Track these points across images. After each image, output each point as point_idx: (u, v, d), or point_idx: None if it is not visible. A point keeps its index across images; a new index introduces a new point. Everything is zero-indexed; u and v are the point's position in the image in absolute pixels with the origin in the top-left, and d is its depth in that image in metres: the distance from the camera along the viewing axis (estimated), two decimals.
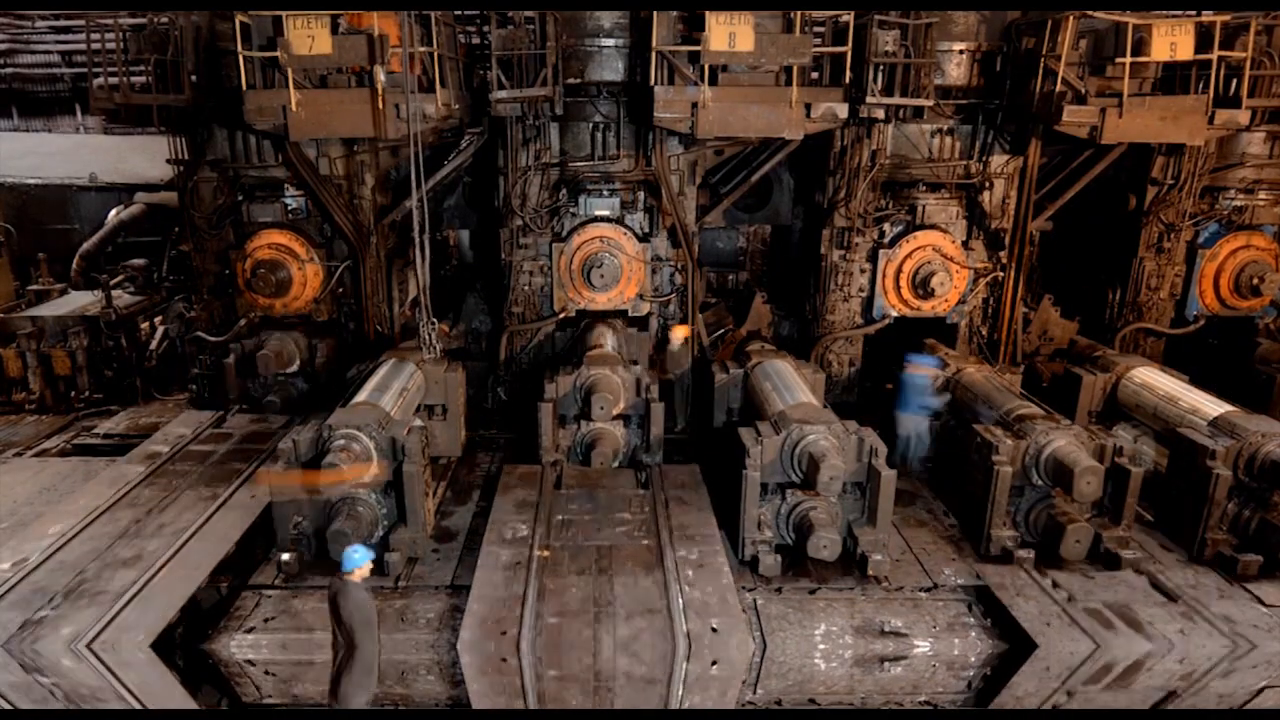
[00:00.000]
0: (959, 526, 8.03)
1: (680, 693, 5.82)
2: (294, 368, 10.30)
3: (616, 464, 8.67)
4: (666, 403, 9.11)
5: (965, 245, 10.50)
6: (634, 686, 5.90)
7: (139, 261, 14.42)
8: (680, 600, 6.41)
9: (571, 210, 10.27)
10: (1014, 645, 6.49)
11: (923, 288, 10.41)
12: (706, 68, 8.65)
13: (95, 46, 9.22)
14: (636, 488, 8.23)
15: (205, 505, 7.76)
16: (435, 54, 8.85)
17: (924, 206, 10.40)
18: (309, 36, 8.22)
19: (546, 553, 7.06)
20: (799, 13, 8.64)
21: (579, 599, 6.47)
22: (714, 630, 6.14)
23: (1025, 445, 7.42)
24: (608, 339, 9.73)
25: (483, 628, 6.15)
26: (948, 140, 10.18)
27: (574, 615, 6.31)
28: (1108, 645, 6.30)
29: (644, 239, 10.31)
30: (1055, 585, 7.00)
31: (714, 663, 6.04)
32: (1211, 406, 8.06)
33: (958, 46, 9.73)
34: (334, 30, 8.35)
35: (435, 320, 8.56)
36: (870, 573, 7.03)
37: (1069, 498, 7.28)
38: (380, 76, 8.27)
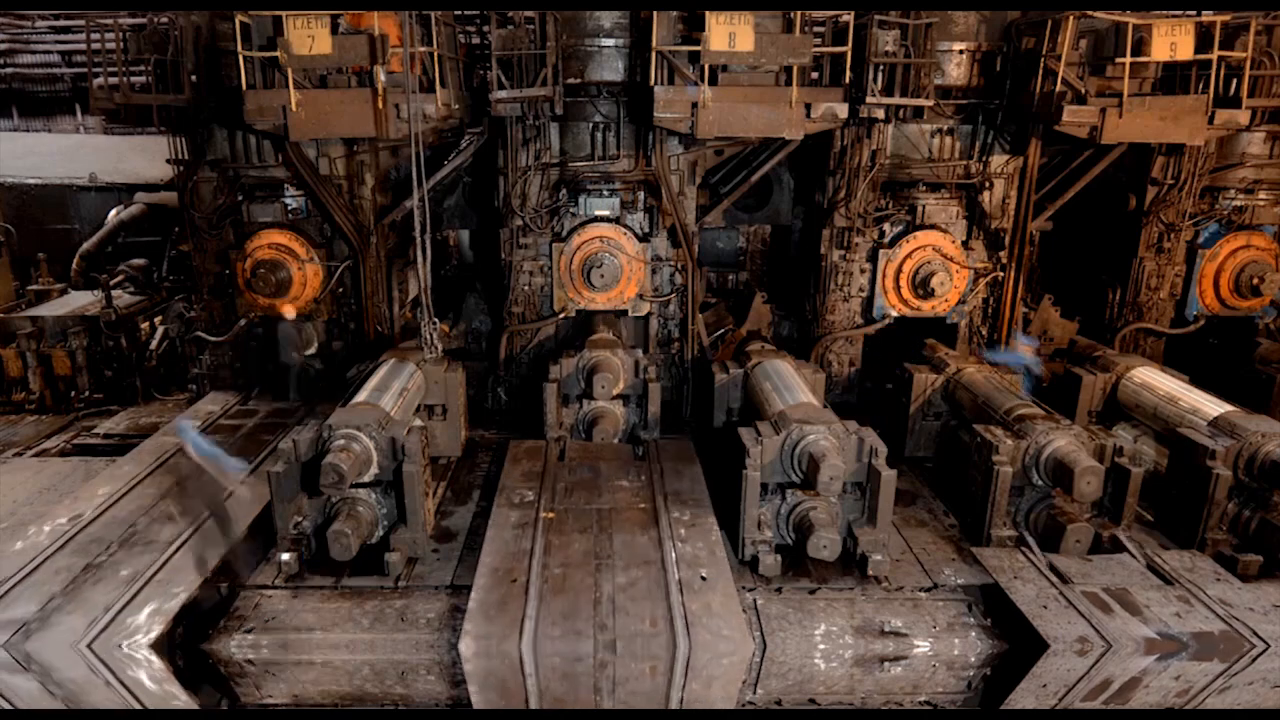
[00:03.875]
0: (959, 526, 8.03)
1: (678, 637, 6.11)
2: (312, 349, 10.50)
3: (616, 439, 9.19)
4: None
5: (965, 245, 10.51)
6: (632, 623, 6.23)
7: (139, 261, 14.43)
8: (673, 554, 6.98)
9: (571, 210, 10.27)
10: (1014, 645, 6.49)
11: (923, 288, 10.41)
12: (706, 68, 8.65)
13: (95, 46, 9.23)
14: (634, 459, 8.72)
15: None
16: (435, 54, 8.86)
17: (924, 206, 10.41)
18: (309, 36, 8.23)
19: (551, 514, 7.59)
20: (799, 13, 8.63)
21: (581, 552, 7.04)
22: (703, 579, 6.67)
23: (1025, 445, 7.46)
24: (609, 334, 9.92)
25: (494, 576, 6.71)
26: (948, 140, 10.18)
27: (577, 566, 6.88)
28: (1106, 630, 6.28)
29: (644, 239, 10.31)
30: (1052, 568, 7.03)
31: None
32: (1211, 406, 8.06)
33: (958, 46, 9.73)
34: (334, 30, 8.36)
35: (436, 320, 8.58)
36: (870, 573, 7.03)
37: (1069, 498, 7.30)
38: (381, 76, 8.27)
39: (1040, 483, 7.50)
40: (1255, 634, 6.28)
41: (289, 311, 10.08)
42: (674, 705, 6.05)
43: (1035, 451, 7.42)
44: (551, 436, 9.14)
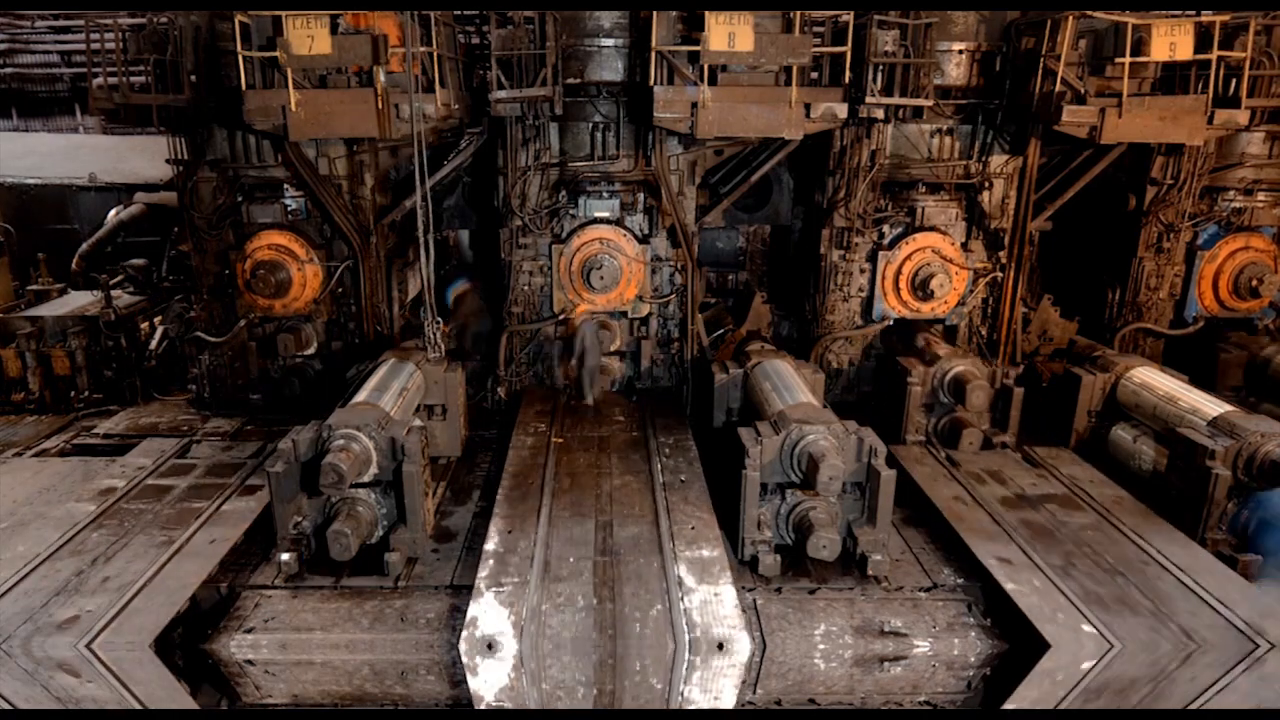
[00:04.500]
0: (886, 434, 8.54)
1: (663, 515, 7.49)
2: (311, 349, 10.54)
3: (615, 389, 10.79)
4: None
5: (964, 246, 10.51)
6: (625, 510, 7.64)
7: (139, 261, 14.42)
8: (659, 465, 8.44)
9: (571, 212, 10.27)
10: (1014, 644, 6.50)
11: (922, 290, 10.42)
12: (706, 68, 8.65)
13: (95, 46, 9.22)
14: (628, 402, 10.44)
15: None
16: (435, 54, 8.86)
17: (923, 208, 10.41)
18: (309, 36, 8.22)
19: (561, 440, 9.10)
20: (799, 13, 8.63)
21: (585, 465, 8.52)
22: (682, 481, 8.09)
23: (933, 370, 9.39)
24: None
25: (515, 479, 8.09)
26: (947, 140, 10.19)
27: (581, 473, 8.34)
28: (977, 492, 8.28)
29: (644, 240, 10.32)
30: (949, 459, 9.10)
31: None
32: (1211, 406, 8.07)
33: (957, 46, 9.73)
34: (334, 30, 8.35)
35: (439, 320, 8.61)
36: (870, 573, 7.04)
37: (966, 410, 9.21)
38: (380, 76, 8.27)
39: (945, 400, 9.39)
40: (1090, 497, 8.24)
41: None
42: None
43: (941, 375, 9.33)
44: (560, 385, 10.59)
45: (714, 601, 6.31)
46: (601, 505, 7.66)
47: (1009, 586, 6.69)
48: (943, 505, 8.00)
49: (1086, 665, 6.12)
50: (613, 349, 10.60)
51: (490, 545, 6.95)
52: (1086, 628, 6.26)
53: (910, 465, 8.83)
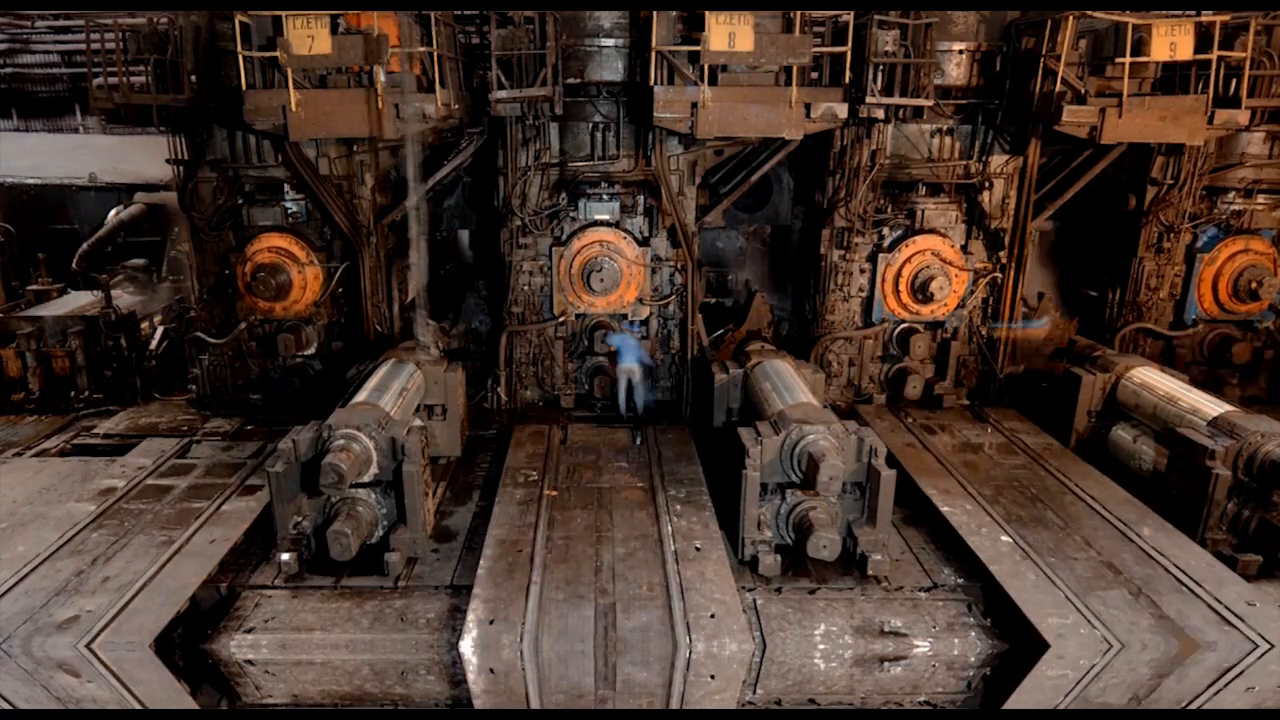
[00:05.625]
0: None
1: (674, 599, 6.58)
2: (311, 350, 10.55)
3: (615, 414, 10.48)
4: None
5: (964, 248, 10.51)
6: (632, 588, 6.71)
7: (139, 261, 14.41)
8: (669, 527, 7.57)
9: (571, 214, 10.27)
10: (1014, 644, 6.50)
11: (922, 292, 10.41)
12: (706, 68, 8.65)
13: (95, 46, 9.21)
14: (633, 443, 9.58)
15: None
16: (435, 54, 8.85)
17: (923, 211, 10.41)
18: (309, 36, 8.23)
19: (554, 492, 8.23)
20: (799, 13, 8.63)
21: (582, 527, 7.61)
22: (697, 549, 7.20)
23: (888, 329, 10.70)
24: None
25: (501, 546, 7.20)
26: (947, 140, 10.19)
27: (578, 538, 7.44)
28: (927, 442, 9.36)
29: (643, 242, 10.32)
30: (904, 414, 10.36)
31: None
32: (1211, 406, 8.06)
33: (957, 46, 9.73)
34: (334, 30, 8.35)
35: (432, 322, 8.59)
36: (870, 573, 7.04)
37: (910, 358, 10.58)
38: (380, 77, 8.27)
39: (895, 352, 10.71)
40: (1025, 445, 9.39)
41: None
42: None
43: (894, 332, 10.77)
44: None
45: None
46: (602, 583, 6.69)
47: (944, 509, 7.83)
48: (897, 451, 8.99)
49: (1086, 665, 6.13)
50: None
51: (467, 643, 6.09)
52: (1004, 538, 7.40)
53: (871, 420, 9.99)
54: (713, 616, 6.30)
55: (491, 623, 6.18)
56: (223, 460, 9.09)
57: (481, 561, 6.90)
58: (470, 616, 6.23)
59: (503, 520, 7.57)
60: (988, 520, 7.67)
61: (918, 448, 9.24)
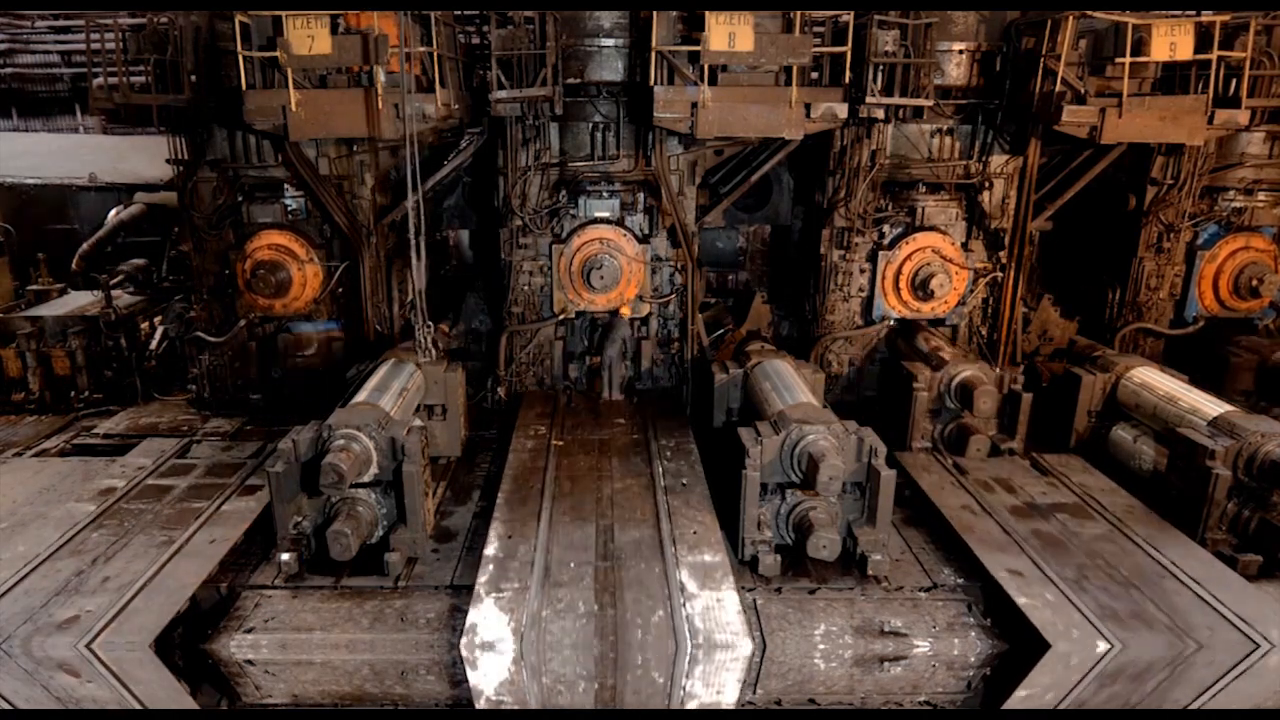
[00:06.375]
0: (892, 441, 8.54)
1: (664, 519, 7.46)
2: (311, 350, 10.57)
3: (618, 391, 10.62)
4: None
5: (965, 246, 10.51)
6: (627, 514, 7.58)
7: (139, 261, 14.41)
8: (660, 468, 8.40)
9: (571, 212, 10.27)
10: (1014, 644, 6.50)
11: (922, 289, 10.41)
12: (706, 68, 8.65)
13: (95, 46, 9.21)
14: (629, 404, 10.35)
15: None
16: (435, 54, 8.85)
17: (923, 208, 10.41)
18: (309, 36, 8.22)
19: (561, 442, 9.06)
20: (799, 13, 8.63)
21: (585, 468, 8.49)
22: (683, 484, 8.06)
23: (940, 375, 9.19)
24: None
25: (515, 482, 8.07)
26: (947, 140, 10.18)
27: (582, 476, 8.32)
28: (985, 501, 8.09)
29: (644, 240, 10.31)
30: (956, 466, 8.90)
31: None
32: (1211, 406, 8.06)
33: (957, 46, 9.73)
34: (333, 30, 8.35)
35: (432, 323, 8.60)
36: (870, 573, 7.04)
37: (974, 416, 9.00)
38: (380, 76, 8.26)
39: (952, 405, 9.20)
40: (1101, 505, 8.07)
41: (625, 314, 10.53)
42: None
43: (948, 380, 9.14)
44: (560, 387, 10.59)
45: (716, 607, 6.28)
46: (602, 509, 7.61)
47: (1021, 601, 6.51)
48: (951, 515, 7.81)
49: (1087, 665, 6.13)
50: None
51: (490, 550, 6.91)
52: (1101, 645, 6.14)
53: (917, 473, 8.68)
54: (695, 533, 7.22)
55: (510, 538, 7.09)
56: (223, 460, 9.10)
57: (499, 494, 7.80)
58: (491, 532, 7.14)
59: (515, 464, 8.45)
60: (1077, 618, 6.35)
61: (976, 511, 7.90)
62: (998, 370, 9.25)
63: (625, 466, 8.48)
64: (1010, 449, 9.10)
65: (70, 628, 6.14)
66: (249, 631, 6.49)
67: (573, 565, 6.77)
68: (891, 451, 7.98)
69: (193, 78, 9.20)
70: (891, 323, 10.74)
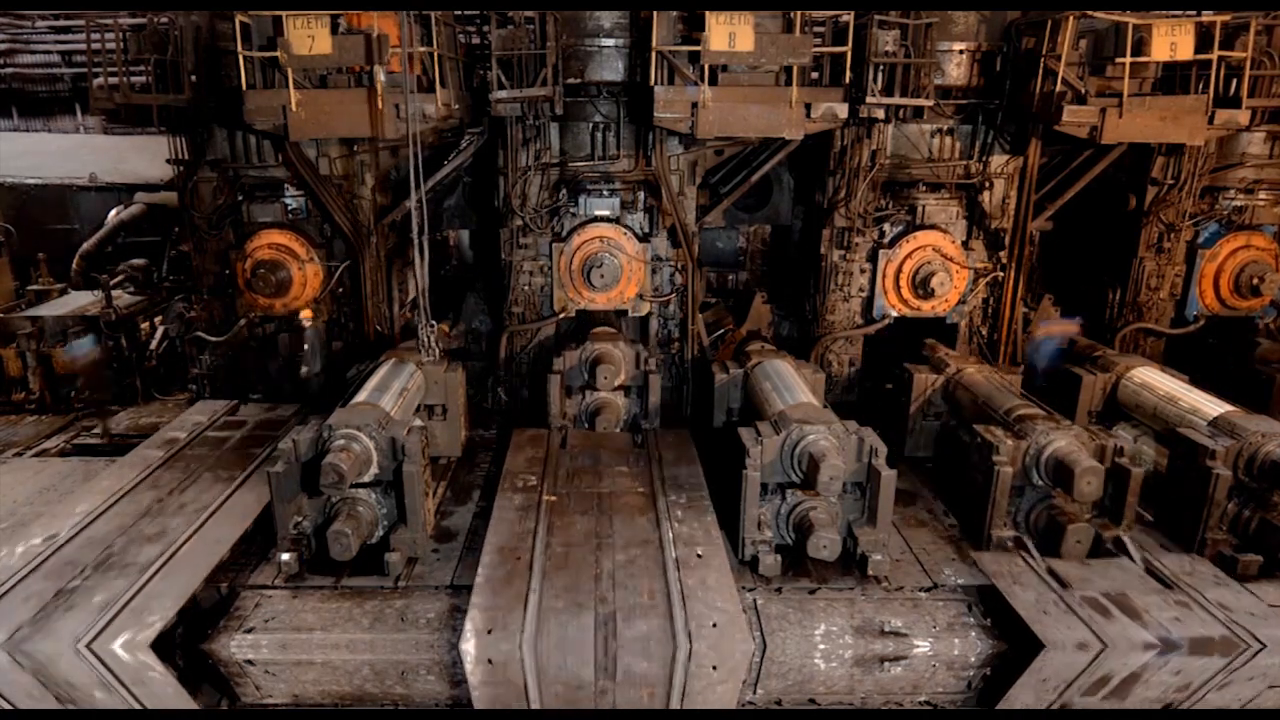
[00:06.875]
0: (959, 526, 8.01)
1: (677, 605, 6.36)
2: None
3: (618, 429, 9.54)
4: None
5: (965, 245, 10.51)
6: (632, 596, 6.48)
7: (139, 261, 14.42)
8: (669, 533, 7.27)
9: (571, 210, 10.26)
10: (1013, 645, 6.49)
11: (923, 288, 10.41)
12: (706, 68, 8.64)
13: (95, 46, 9.21)
14: (633, 446, 9.14)
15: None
16: (435, 54, 8.85)
17: (924, 207, 10.41)
18: (309, 36, 8.22)
19: (554, 498, 7.91)
20: (799, 13, 8.63)
21: (582, 534, 7.33)
22: (699, 556, 6.94)
23: (1025, 445, 7.37)
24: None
25: (500, 554, 6.97)
26: (948, 140, 10.18)
27: (578, 545, 7.15)
28: (1104, 633, 6.33)
29: (644, 239, 10.31)
30: (1051, 573, 7.01)
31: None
32: (1211, 406, 8.06)
33: (958, 46, 9.73)
34: (334, 30, 8.35)
35: (434, 322, 8.59)
36: (870, 573, 7.03)
37: (1069, 498, 7.22)
38: (380, 76, 8.26)
39: (1040, 483, 7.41)
40: (1254, 637, 6.29)
41: (306, 318, 10.16)
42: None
43: (1035, 452, 7.33)
44: (555, 426, 9.42)
45: None
46: (602, 591, 6.49)
47: None
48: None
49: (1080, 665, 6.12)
50: (616, 384, 9.42)
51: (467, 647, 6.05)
52: None
53: (1007, 586, 6.87)
54: (715, 626, 6.11)
55: (489, 632, 6.07)
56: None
57: (479, 570, 6.74)
58: (468, 626, 6.12)
59: (500, 531, 7.33)
60: None
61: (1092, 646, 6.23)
62: (1095, 438, 7.38)
63: (629, 530, 7.31)
64: (1115, 539, 7.26)
65: (70, 628, 6.13)
66: (249, 631, 6.49)
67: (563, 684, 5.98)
68: (963, 543, 7.59)
69: (193, 78, 9.21)
70: (891, 321, 10.73)
